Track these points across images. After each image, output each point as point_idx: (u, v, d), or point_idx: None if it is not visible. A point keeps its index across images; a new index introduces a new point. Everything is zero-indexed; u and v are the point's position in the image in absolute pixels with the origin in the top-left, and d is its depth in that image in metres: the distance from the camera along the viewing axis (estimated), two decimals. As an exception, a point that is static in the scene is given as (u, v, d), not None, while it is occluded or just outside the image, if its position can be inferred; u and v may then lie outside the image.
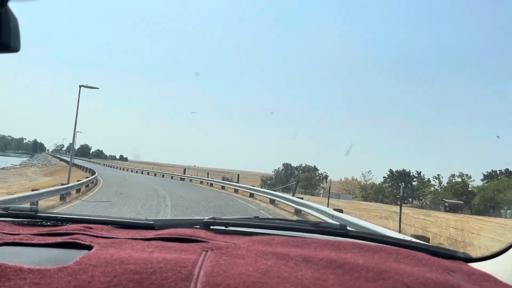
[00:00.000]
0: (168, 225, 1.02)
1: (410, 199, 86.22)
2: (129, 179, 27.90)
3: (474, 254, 1.00)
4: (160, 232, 0.94)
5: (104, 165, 68.88)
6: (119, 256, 0.70)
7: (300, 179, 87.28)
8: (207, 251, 0.77)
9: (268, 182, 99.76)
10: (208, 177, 29.33)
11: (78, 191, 15.83)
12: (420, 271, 0.74)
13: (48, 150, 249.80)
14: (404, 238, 1.25)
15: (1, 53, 0.44)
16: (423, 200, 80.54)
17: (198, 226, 1.01)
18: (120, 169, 54.24)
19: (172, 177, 35.63)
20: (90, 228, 0.95)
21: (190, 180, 31.20)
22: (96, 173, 26.14)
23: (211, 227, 1.01)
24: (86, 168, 42.09)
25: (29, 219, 1.04)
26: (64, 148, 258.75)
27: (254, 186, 19.83)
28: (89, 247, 0.79)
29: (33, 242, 0.83)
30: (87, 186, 18.44)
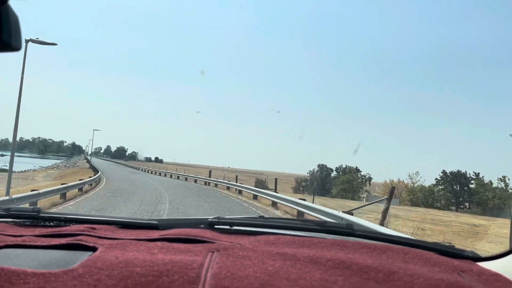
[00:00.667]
0: (172, 225, 1.00)
1: (466, 204, 76.51)
2: (140, 185, 22.51)
3: (482, 253, 0.96)
4: (164, 232, 0.93)
5: (131, 166, 65.03)
6: (124, 258, 0.68)
7: (342, 181, 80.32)
8: (213, 252, 0.76)
9: (303, 184, 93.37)
10: (236, 181, 23.21)
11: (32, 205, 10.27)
12: (429, 271, 0.73)
13: (86, 153, 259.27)
14: (411, 237, 1.18)
15: (2, 52, 0.44)
16: (484, 205, 70.44)
17: (203, 226, 1.00)
18: (146, 171, 49.56)
19: (195, 181, 30.05)
20: (93, 228, 0.92)
21: (216, 185, 25.30)
22: (98, 175, 20.98)
23: (216, 226, 1.00)
24: (103, 171, 37.90)
25: (32, 219, 1.01)
26: (102, 151, 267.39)
27: (304, 200, 11.56)
28: (93, 249, 0.77)
29: (36, 244, 0.81)
30: (63, 196, 13.00)
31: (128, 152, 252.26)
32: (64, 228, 0.92)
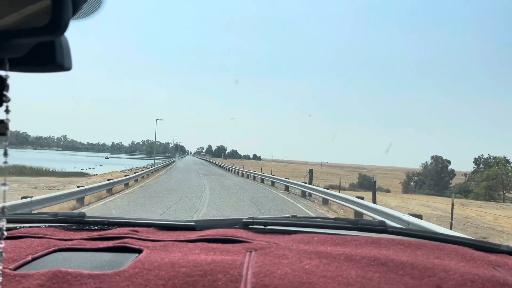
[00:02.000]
0: (209, 226, 1.04)
1: None
2: (176, 201, 11.19)
3: None
4: (202, 233, 0.96)
5: (217, 165, 56.20)
6: (169, 259, 0.71)
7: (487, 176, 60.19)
8: (251, 251, 0.78)
9: (415, 178, 75.11)
10: (375, 199, 10.07)
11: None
12: (465, 267, 0.72)
13: (190, 153, 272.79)
14: (445, 233, 1.18)
15: (55, 72, 0.46)
16: None
17: (237, 226, 1.03)
18: (230, 171, 39.36)
19: (287, 188, 18.00)
20: (136, 231, 0.97)
21: (326, 203, 12.71)
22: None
23: (250, 226, 1.02)
24: (177, 169, 28.51)
25: (78, 224, 1.05)
26: (204, 150, 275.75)
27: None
28: (138, 251, 0.81)
29: (86, 247, 0.85)
30: None
31: (228, 150, 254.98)
32: (109, 231, 0.96)
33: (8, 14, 0.40)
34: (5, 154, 0.43)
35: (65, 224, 1.04)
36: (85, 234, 0.95)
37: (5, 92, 0.43)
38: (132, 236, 0.90)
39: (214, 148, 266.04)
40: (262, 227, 1.00)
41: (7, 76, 0.44)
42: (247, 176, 28.58)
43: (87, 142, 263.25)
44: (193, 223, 1.03)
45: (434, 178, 72.76)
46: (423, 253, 0.79)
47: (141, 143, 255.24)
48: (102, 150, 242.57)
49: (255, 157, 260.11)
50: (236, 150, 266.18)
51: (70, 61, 0.46)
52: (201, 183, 20.32)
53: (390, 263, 0.70)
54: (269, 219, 1.05)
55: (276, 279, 0.63)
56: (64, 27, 0.40)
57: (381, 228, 0.99)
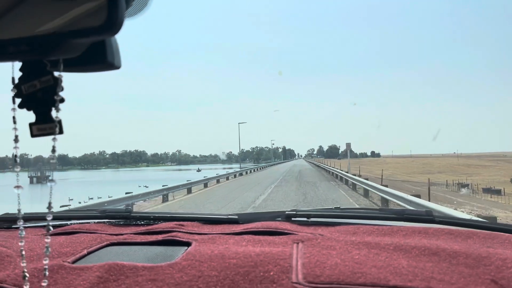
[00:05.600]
0: (252, 219, 1.05)
1: None
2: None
3: None
4: (247, 226, 0.97)
5: (327, 173, 41.14)
6: (219, 251, 0.72)
7: None
8: (297, 243, 0.78)
9: None
10: None
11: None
12: None
13: (300, 156, 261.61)
14: (495, 222, 1.13)
15: (105, 71, 0.48)
16: None
17: (280, 219, 1.03)
18: (337, 179, 24.33)
19: None
20: (182, 225, 0.99)
21: None
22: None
23: (293, 219, 1.02)
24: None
25: (125, 219, 1.10)
26: (315, 152, 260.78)
27: None
28: (187, 244, 0.83)
29: (136, 241, 0.88)
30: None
31: (341, 149, 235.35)
32: (156, 226, 0.99)
33: (61, 14, 0.41)
34: (53, 151, 0.45)
35: (113, 220, 1.09)
36: (133, 229, 0.98)
37: (58, 91, 0.45)
38: (179, 230, 0.93)
39: (325, 148, 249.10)
40: (305, 219, 1.00)
41: (60, 76, 0.45)
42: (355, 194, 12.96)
43: (200, 155, 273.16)
44: (236, 217, 1.05)
45: None
46: (474, 242, 0.76)
47: (250, 150, 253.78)
48: (214, 161, 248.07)
49: (373, 155, 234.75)
50: (351, 149, 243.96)
51: (119, 59, 0.48)
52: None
53: (442, 253, 0.68)
54: (312, 211, 1.04)
55: (327, 269, 0.62)
56: (120, 25, 0.41)
57: (428, 217, 0.97)
